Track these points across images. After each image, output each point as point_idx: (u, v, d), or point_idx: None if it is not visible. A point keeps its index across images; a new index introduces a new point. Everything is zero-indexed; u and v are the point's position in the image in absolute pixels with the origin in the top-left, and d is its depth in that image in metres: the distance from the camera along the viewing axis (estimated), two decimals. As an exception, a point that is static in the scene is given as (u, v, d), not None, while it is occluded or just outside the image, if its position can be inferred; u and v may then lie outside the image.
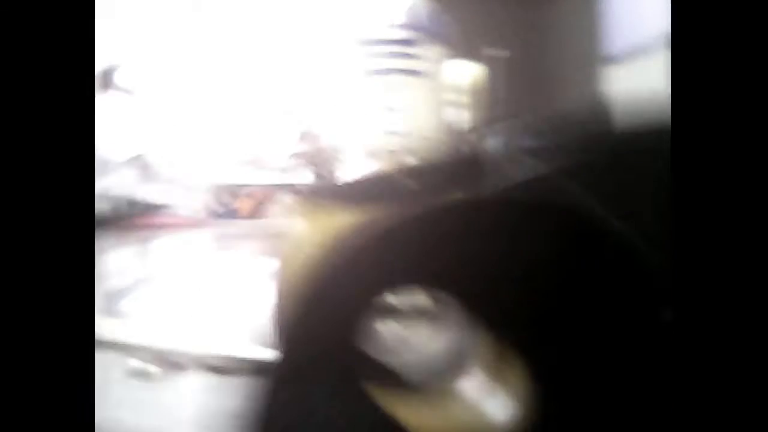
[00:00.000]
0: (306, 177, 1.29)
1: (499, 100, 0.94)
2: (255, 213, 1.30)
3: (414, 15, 0.65)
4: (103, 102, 2.22)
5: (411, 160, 0.62)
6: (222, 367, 0.34)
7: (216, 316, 0.57)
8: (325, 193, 0.23)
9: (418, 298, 0.50)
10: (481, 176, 0.23)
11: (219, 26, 2.57)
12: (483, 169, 0.23)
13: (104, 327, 0.36)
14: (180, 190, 1.43)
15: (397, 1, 0.66)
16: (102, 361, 0.37)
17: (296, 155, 1.51)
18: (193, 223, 1.32)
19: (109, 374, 0.38)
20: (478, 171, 0.23)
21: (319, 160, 1.01)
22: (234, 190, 1.33)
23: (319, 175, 0.85)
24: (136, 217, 1.28)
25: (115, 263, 0.95)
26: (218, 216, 1.33)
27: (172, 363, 0.34)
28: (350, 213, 0.24)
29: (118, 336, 0.36)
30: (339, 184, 0.22)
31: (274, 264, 0.29)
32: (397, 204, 0.23)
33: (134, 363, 0.36)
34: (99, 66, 2.28)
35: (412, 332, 0.46)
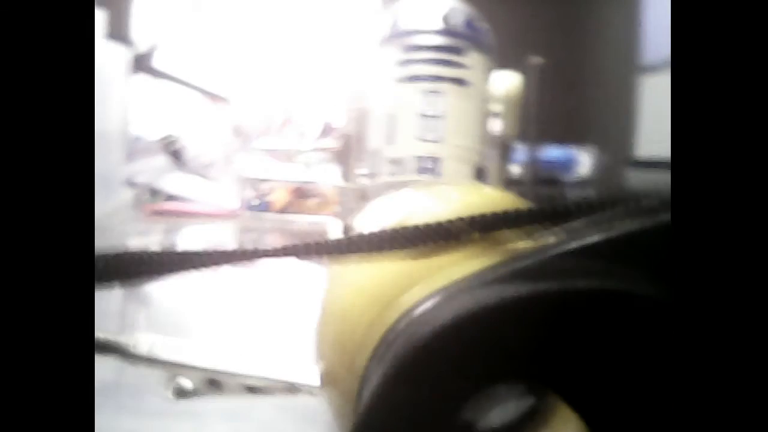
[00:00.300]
0: (332, 174, 1.29)
1: (534, 109, 0.93)
2: (288, 207, 1.31)
3: (451, 21, 0.65)
4: (138, 85, 2.24)
5: (443, 170, 0.62)
6: (260, 388, 0.34)
7: (252, 326, 0.57)
8: (379, 236, 0.23)
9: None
10: (538, 231, 0.23)
11: (258, 17, 2.59)
12: (538, 224, 0.23)
13: (141, 341, 0.36)
14: (210, 180, 1.44)
15: (433, 6, 0.66)
16: (138, 375, 0.38)
17: (320, 150, 1.51)
18: (224, 214, 1.33)
19: (146, 389, 0.39)
20: (535, 225, 0.23)
21: (344, 157, 1.01)
22: (265, 183, 1.33)
23: (345, 174, 0.86)
24: (156, 204, 1.29)
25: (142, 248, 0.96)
26: (251, 208, 1.34)
27: (210, 381, 0.34)
28: (406, 259, 0.24)
29: (155, 351, 0.37)
30: (396, 228, 0.22)
31: (320, 306, 0.29)
32: (456, 251, 0.23)
33: (172, 379, 0.36)
34: (137, 48, 2.31)
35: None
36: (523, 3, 2.04)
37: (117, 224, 1.02)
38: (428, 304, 0.21)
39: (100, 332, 0.37)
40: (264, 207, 1.32)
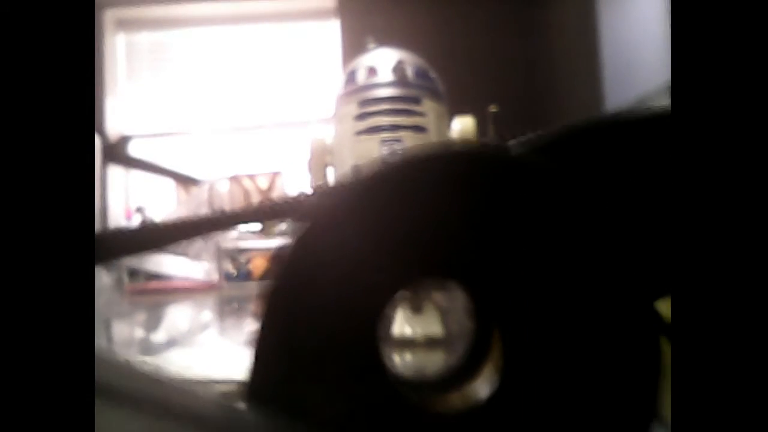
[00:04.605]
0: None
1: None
2: (268, 274, 1.32)
3: (401, 72, 0.68)
4: (114, 172, 2.27)
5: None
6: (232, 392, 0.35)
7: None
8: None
9: (432, 327, 0.52)
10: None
11: (224, 98, 2.65)
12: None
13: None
14: (189, 257, 1.45)
15: (384, 60, 0.69)
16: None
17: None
18: (205, 287, 1.34)
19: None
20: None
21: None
22: (243, 254, 1.35)
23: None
24: (137, 284, 1.29)
25: (128, 330, 0.97)
26: (232, 279, 1.35)
27: None
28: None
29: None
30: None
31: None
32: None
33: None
34: (112, 137, 2.34)
35: (427, 360, 0.48)
36: (492, 55, 2.10)
37: (99, 308, 1.02)
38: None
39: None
40: (244, 276, 1.34)
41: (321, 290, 0.19)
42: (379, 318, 0.19)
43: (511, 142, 0.22)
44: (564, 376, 0.19)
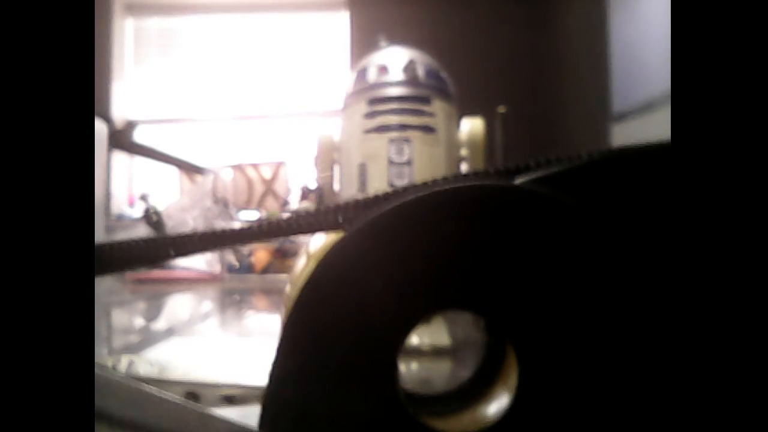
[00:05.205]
0: (314, 235, 1.30)
1: (501, 153, 0.96)
2: (270, 267, 1.32)
3: (412, 72, 0.67)
4: (119, 158, 2.27)
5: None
6: (237, 397, 0.35)
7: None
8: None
9: (438, 336, 0.51)
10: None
11: (231, 87, 2.64)
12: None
13: (121, 361, 0.37)
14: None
15: (395, 59, 0.68)
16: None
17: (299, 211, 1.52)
18: (207, 278, 1.34)
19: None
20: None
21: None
22: (245, 246, 1.34)
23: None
24: (139, 273, 1.29)
25: (128, 318, 0.97)
26: (233, 270, 1.35)
27: (189, 394, 0.35)
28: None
29: (133, 369, 0.38)
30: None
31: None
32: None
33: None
34: (115, 125, 2.34)
35: (433, 369, 0.48)
36: (500, 58, 2.10)
37: (101, 295, 1.02)
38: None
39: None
40: (246, 268, 1.33)
41: (339, 324, 0.18)
42: (396, 354, 0.19)
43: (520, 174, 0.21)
44: (581, 400, 0.19)
